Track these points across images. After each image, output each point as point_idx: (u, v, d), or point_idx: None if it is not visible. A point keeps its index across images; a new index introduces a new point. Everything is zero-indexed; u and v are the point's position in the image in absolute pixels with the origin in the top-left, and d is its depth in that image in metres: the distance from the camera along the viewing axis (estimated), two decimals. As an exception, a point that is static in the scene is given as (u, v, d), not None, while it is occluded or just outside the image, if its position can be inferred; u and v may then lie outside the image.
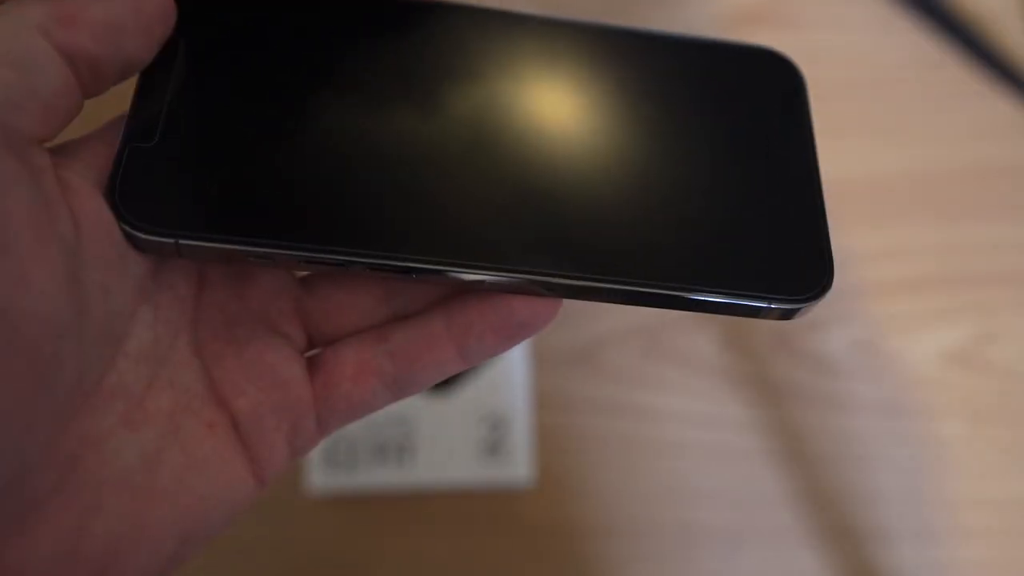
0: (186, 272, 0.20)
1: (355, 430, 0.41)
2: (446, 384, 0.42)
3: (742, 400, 0.43)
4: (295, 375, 0.20)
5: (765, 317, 0.20)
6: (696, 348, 0.44)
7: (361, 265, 0.19)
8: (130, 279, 0.18)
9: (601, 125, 0.21)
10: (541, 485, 0.41)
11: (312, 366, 0.21)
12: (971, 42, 0.49)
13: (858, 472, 0.42)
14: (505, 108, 0.21)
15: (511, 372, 0.42)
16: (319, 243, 0.19)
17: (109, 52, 0.18)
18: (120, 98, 0.20)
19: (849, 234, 0.46)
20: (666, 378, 0.44)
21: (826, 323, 0.45)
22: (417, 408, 0.41)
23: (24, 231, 0.16)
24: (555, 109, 0.21)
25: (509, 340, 0.20)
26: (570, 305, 0.21)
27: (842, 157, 0.46)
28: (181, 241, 0.18)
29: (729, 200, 0.21)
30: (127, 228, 0.18)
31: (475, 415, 0.41)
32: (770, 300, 0.20)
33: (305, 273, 0.21)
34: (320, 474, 0.40)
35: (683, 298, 0.20)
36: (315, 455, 0.40)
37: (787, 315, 0.20)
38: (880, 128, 0.48)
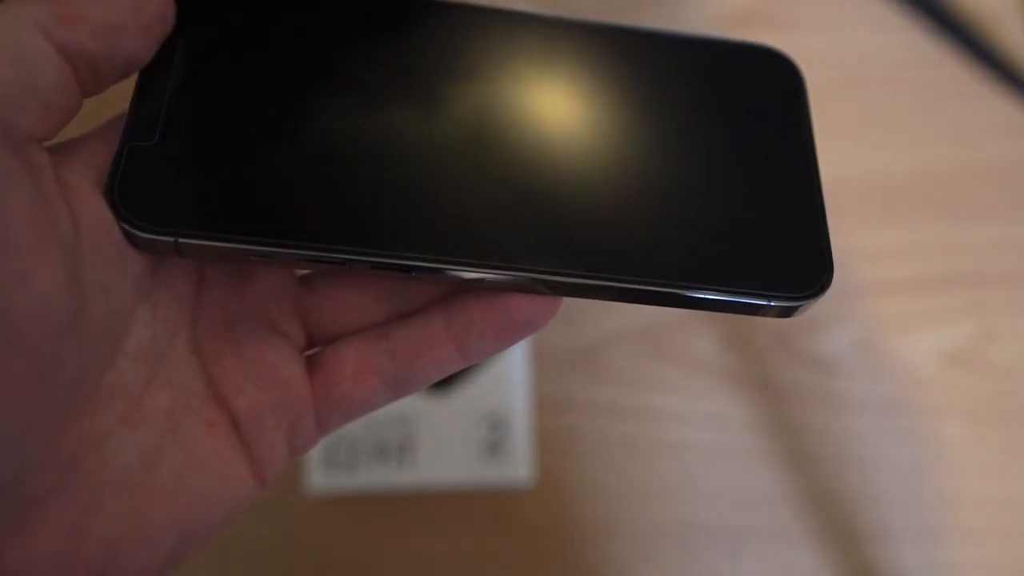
0: (185, 271, 0.20)
1: (355, 430, 0.41)
2: (446, 384, 0.42)
3: (742, 400, 0.43)
4: (295, 374, 0.20)
5: (765, 315, 0.20)
6: (696, 348, 0.44)
7: (361, 264, 0.19)
8: (129, 278, 0.18)
9: (600, 123, 0.21)
10: (541, 485, 0.41)
11: (312, 365, 0.21)
12: (971, 42, 0.49)
13: (858, 472, 0.42)
14: (504, 106, 0.21)
15: (511, 372, 0.42)
16: (319, 242, 0.19)
17: (109, 51, 0.18)
18: (120, 97, 0.20)
19: (849, 234, 0.46)
20: (666, 378, 0.44)
21: (826, 323, 0.45)
22: (417, 408, 0.41)
23: (24, 231, 0.16)
24: (554, 107, 0.21)
25: (509, 338, 0.20)
26: (570, 305, 0.21)
27: (842, 157, 0.46)
28: (180, 240, 0.18)
29: (729, 197, 0.21)
30: (126, 227, 0.18)
31: (475, 415, 0.41)
32: (770, 297, 0.20)
33: (305, 272, 0.21)
34: (320, 474, 0.40)
35: (683, 296, 0.20)
36: (315, 455, 0.40)
37: (787, 313, 0.20)
38: (880, 128, 0.48)
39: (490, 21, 0.22)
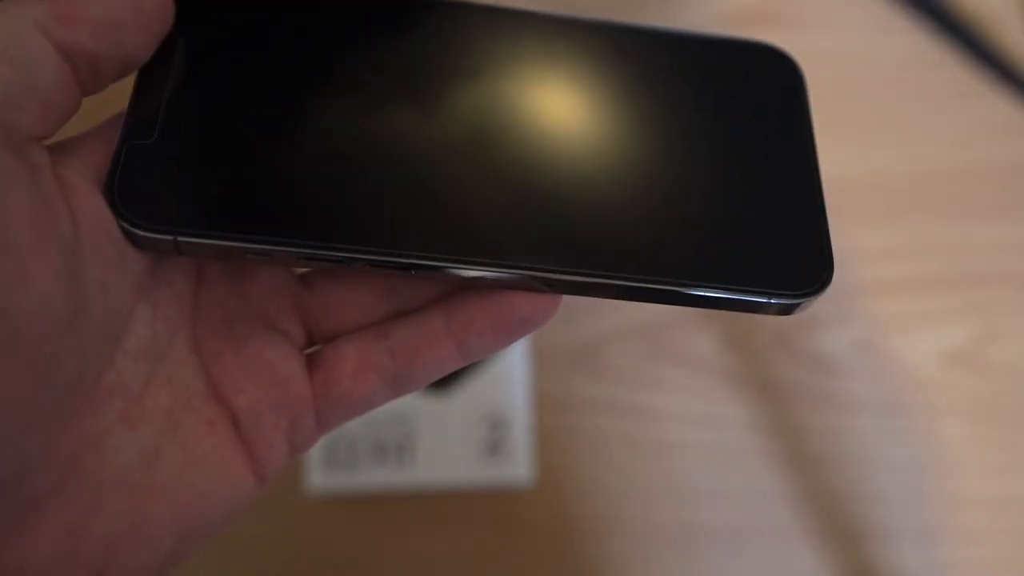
0: (184, 269, 0.20)
1: (355, 429, 0.41)
2: (446, 383, 0.42)
3: (742, 400, 0.43)
4: (294, 372, 0.20)
5: (766, 313, 0.20)
6: (696, 348, 0.44)
7: (361, 262, 0.19)
8: (128, 276, 0.18)
9: (601, 121, 0.21)
10: (541, 485, 0.41)
11: (311, 363, 0.21)
12: (971, 42, 0.49)
13: (858, 472, 0.42)
14: (504, 104, 0.21)
15: (511, 371, 0.42)
16: (318, 240, 0.19)
17: (108, 50, 0.18)
18: (119, 95, 0.20)
19: (849, 234, 0.46)
20: (666, 378, 0.44)
21: (826, 323, 0.45)
22: (417, 408, 0.41)
23: (24, 230, 0.16)
24: (555, 105, 0.21)
25: (509, 337, 0.20)
26: (570, 304, 0.21)
27: (842, 157, 0.46)
28: (180, 238, 0.18)
29: (729, 195, 0.21)
30: (126, 225, 0.18)
31: (475, 415, 0.41)
32: (770, 295, 0.20)
33: (304, 270, 0.21)
34: (320, 474, 0.40)
35: (683, 293, 0.20)
36: (315, 455, 0.40)
37: (787, 310, 0.20)
38: (880, 128, 0.48)
39: (490, 19, 0.22)
